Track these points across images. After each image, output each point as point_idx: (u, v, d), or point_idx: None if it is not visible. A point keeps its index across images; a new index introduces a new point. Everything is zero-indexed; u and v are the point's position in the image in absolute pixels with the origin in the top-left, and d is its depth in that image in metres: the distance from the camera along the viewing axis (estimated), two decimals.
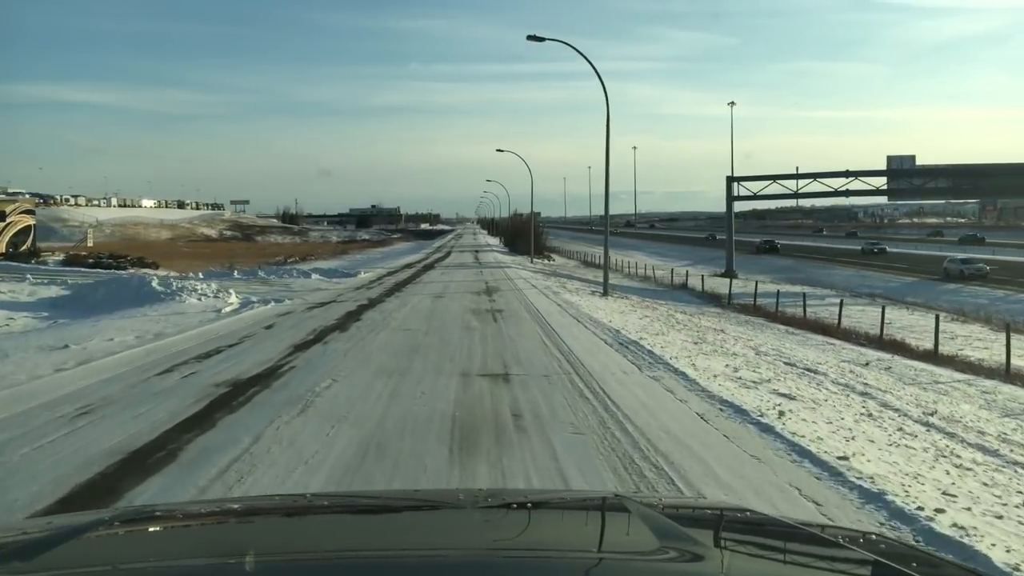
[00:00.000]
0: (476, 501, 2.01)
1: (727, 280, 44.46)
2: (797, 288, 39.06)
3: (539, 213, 64.73)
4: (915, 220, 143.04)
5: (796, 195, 53.74)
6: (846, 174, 52.29)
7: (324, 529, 1.65)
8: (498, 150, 49.36)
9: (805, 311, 27.61)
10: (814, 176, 52.78)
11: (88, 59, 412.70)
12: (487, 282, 27.42)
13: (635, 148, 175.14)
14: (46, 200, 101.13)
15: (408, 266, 40.97)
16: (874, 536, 1.81)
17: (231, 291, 21.09)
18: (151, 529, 1.70)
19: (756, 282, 33.29)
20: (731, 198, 53.39)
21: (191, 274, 30.64)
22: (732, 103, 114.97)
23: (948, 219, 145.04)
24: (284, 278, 29.84)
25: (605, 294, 24.84)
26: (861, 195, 53.83)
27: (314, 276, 30.45)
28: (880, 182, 52.52)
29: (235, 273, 30.60)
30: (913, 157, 54.16)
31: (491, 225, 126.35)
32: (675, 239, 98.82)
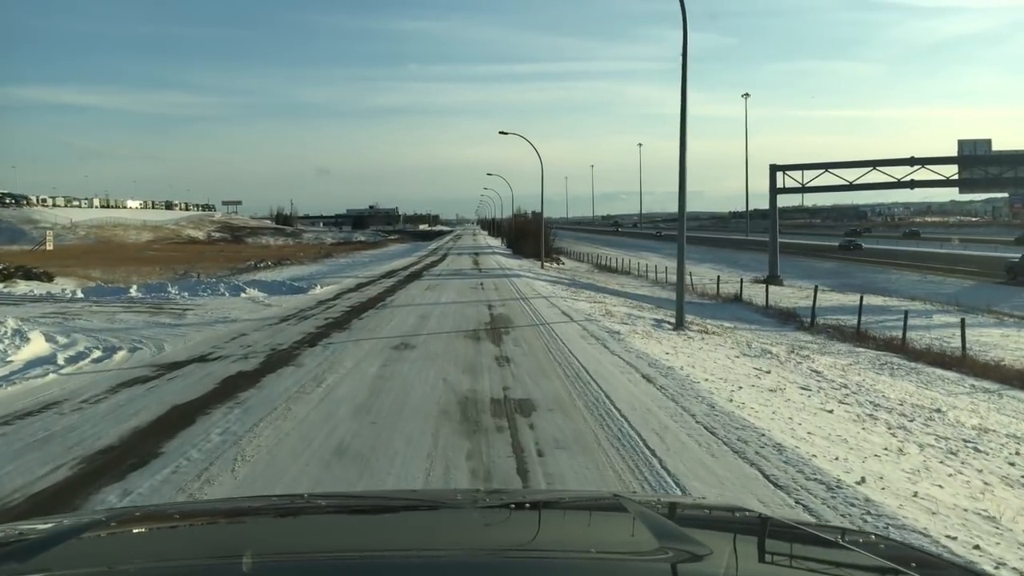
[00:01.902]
0: (475, 501, 1.90)
1: (774, 288, 34.36)
2: (878, 300, 29.57)
3: (539, 213, 54.02)
4: (927, 219, 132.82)
5: (852, 187, 43.68)
6: (911, 162, 42.50)
7: (322, 529, 1.57)
8: (501, 132, 39.37)
9: (964, 344, 17.82)
10: (873, 164, 42.85)
11: (86, 62, 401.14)
12: (491, 305, 17.39)
13: (640, 145, 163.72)
14: (18, 200, 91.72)
15: (390, 274, 30.96)
16: (874, 536, 1.81)
17: (31, 336, 11.23)
18: (148, 529, 1.62)
19: (861, 296, 23.35)
20: (775, 190, 43.40)
21: (63, 292, 20.69)
22: (747, 94, 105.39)
23: (960, 218, 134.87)
24: (200, 296, 19.95)
25: (680, 326, 14.90)
26: (928, 186, 43.80)
27: (246, 293, 20.55)
28: (950, 171, 42.76)
29: (132, 290, 20.62)
30: (989, 142, 44.27)
31: (492, 225, 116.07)
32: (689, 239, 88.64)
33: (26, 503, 4.53)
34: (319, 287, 22.67)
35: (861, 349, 18.10)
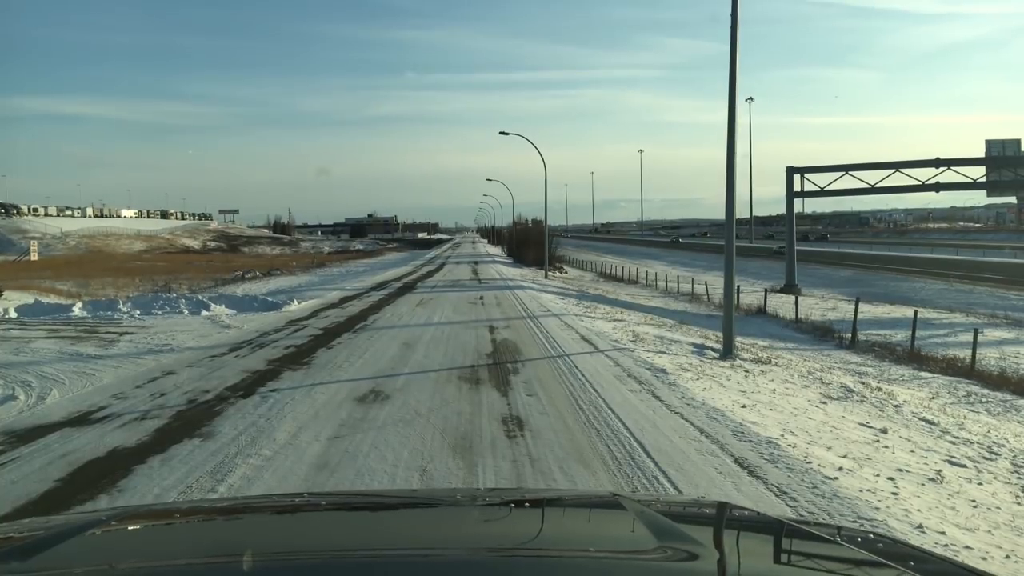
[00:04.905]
0: (474, 500, 1.87)
1: (791, 297, 31.03)
2: (912, 312, 26.49)
3: (539, 220, 50.71)
4: (931, 225, 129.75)
5: (874, 190, 40.60)
6: (936, 163, 39.50)
7: (322, 528, 1.52)
8: (502, 132, 36.28)
9: None
10: (896, 166, 39.81)
11: (82, 72, 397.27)
12: (493, 326, 14.24)
13: (641, 151, 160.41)
14: (8, 210, 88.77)
15: (380, 286, 27.85)
16: (872, 535, 1.69)
17: None
18: (149, 528, 1.58)
19: (916, 312, 20.22)
20: (792, 193, 40.27)
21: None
22: (750, 99, 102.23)
23: (960, 224, 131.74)
24: (154, 315, 16.87)
25: (729, 354, 11.78)
26: (954, 189, 40.73)
27: (209, 311, 17.47)
28: (977, 173, 39.84)
29: (76, 308, 17.51)
30: (1018, 141, 41.40)
31: (491, 234, 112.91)
32: (692, 247, 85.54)
33: None
34: (295, 303, 19.56)
35: (926, 374, 15.06)
